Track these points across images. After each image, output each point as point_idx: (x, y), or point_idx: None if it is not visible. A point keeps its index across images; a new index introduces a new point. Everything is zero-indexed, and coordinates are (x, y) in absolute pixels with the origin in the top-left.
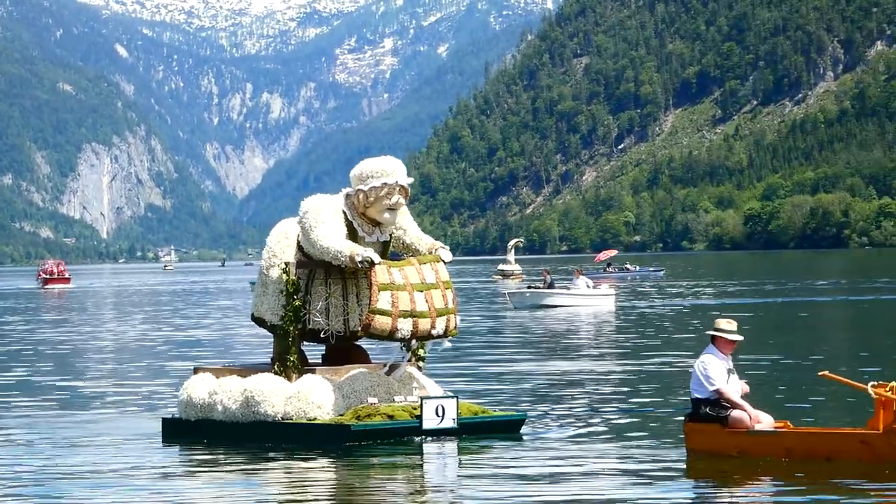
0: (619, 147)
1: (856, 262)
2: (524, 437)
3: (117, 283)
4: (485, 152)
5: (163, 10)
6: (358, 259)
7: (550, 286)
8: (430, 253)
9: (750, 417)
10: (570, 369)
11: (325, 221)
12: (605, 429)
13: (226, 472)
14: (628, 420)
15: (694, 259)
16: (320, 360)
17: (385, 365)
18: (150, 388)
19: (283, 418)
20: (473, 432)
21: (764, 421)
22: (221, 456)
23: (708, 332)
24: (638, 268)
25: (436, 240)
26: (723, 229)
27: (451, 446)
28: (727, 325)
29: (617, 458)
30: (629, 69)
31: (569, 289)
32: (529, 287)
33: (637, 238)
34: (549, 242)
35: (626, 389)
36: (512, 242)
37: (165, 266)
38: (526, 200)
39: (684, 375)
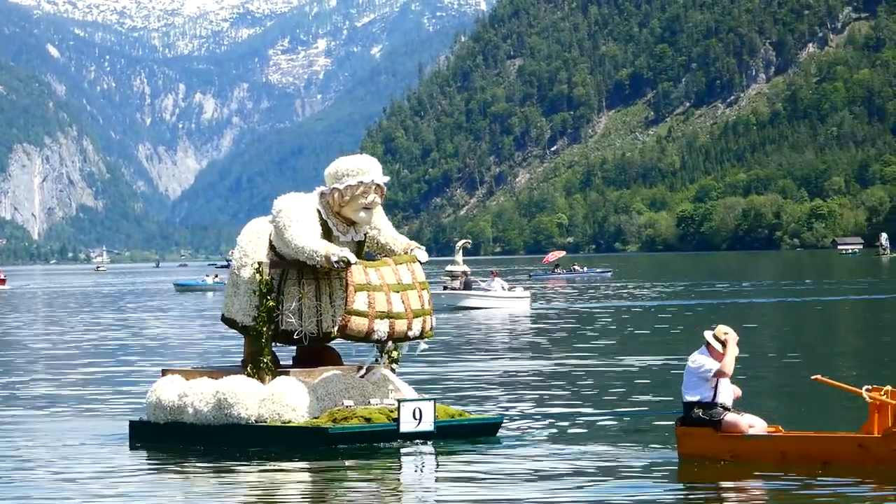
0: (553, 149)
1: (788, 263)
2: (501, 440)
3: (52, 284)
4: (419, 154)
5: (95, 10)
6: (334, 259)
7: (467, 287)
8: (406, 253)
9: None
10: (521, 369)
11: (299, 220)
12: (584, 431)
13: (197, 475)
14: (607, 422)
15: (630, 260)
16: (291, 363)
17: (361, 367)
18: (114, 390)
19: (256, 421)
20: (450, 435)
21: (757, 425)
22: (192, 459)
23: (704, 334)
24: (586, 269)
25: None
26: (655, 231)
27: (428, 449)
28: (723, 335)
29: (598, 460)
30: (562, 71)
31: (485, 290)
32: (445, 288)
33: (570, 240)
34: (483, 244)
35: (588, 390)
36: (460, 243)
37: (98, 267)
38: (460, 202)
39: (655, 374)
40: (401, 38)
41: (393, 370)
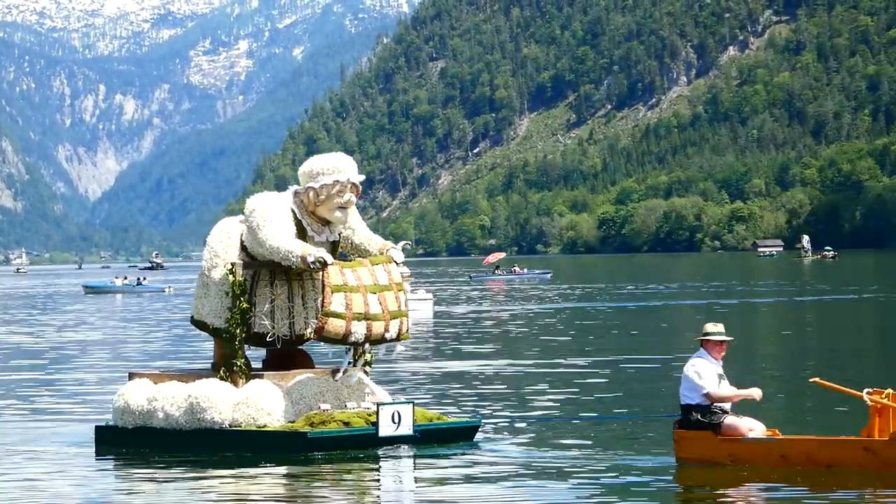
0: (475, 151)
1: (709, 265)
2: (479, 444)
3: None
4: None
5: (14, 10)
6: (310, 259)
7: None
8: (382, 253)
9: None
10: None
11: (273, 220)
12: (569, 434)
13: (168, 481)
14: (592, 426)
15: (555, 262)
16: (261, 366)
17: (336, 370)
18: (75, 394)
19: (230, 425)
20: (428, 439)
21: (756, 428)
22: (163, 465)
23: (697, 338)
24: (526, 270)
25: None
26: (577, 233)
27: (406, 453)
28: (713, 327)
29: (589, 464)
30: (485, 73)
31: None
32: None
33: (492, 241)
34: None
35: (557, 393)
36: (401, 244)
37: (18, 269)
38: (382, 204)
39: (626, 375)
40: (323, 40)
41: (367, 373)
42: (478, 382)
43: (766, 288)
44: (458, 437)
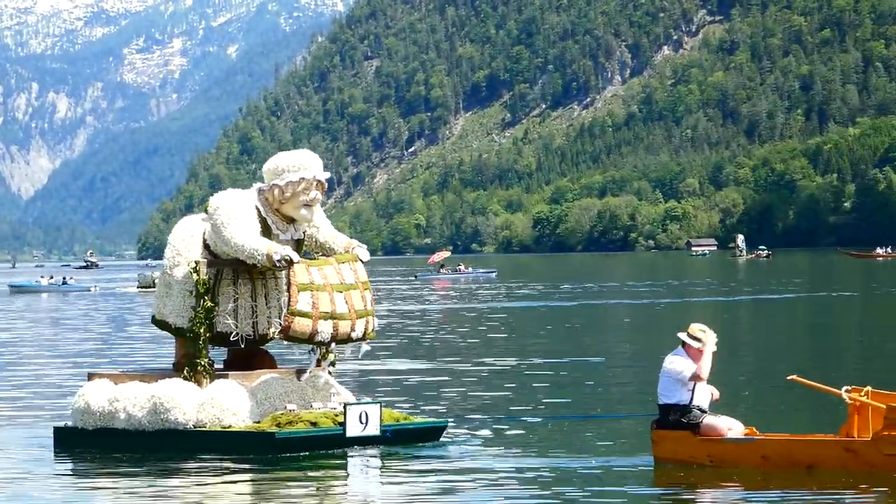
0: (410, 150)
1: (644, 264)
2: (446, 445)
3: None
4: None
5: None
6: (276, 258)
7: None
8: (347, 252)
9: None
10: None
11: (237, 217)
12: (532, 434)
13: (131, 484)
14: (564, 426)
15: (492, 261)
16: (222, 366)
17: (301, 371)
18: (29, 395)
19: (195, 426)
20: (394, 440)
21: (735, 428)
22: (125, 467)
23: (678, 335)
24: (471, 269)
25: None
26: (512, 232)
27: (374, 454)
28: (699, 332)
29: (555, 464)
30: (420, 72)
31: None
32: None
33: (427, 241)
34: None
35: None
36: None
37: None
38: None
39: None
40: (257, 38)
41: (330, 373)
42: (443, 382)
43: (703, 287)
44: (425, 437)
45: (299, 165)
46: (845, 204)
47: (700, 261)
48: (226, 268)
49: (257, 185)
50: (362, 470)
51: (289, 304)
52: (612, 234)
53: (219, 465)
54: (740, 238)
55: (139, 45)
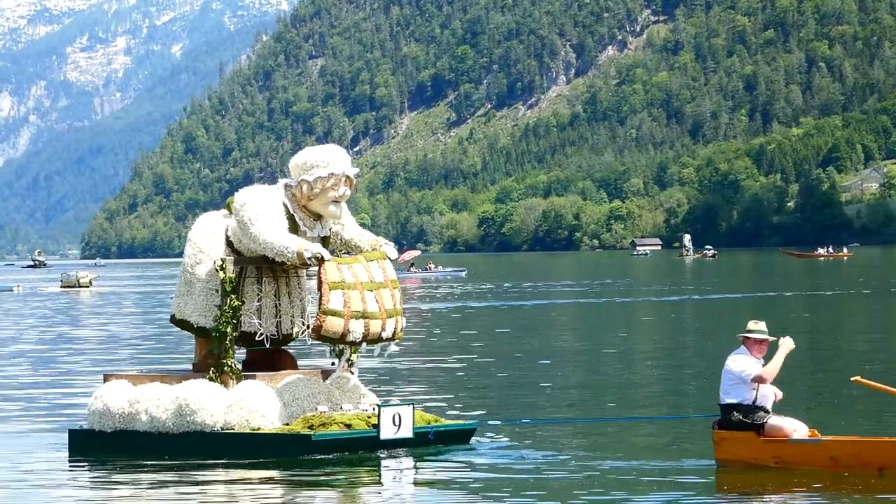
0: (355, 149)
1: (587, 264)
2: (476, 447)
3: None
4: (220, 153)
5: None
6: (307, 255)
7: None
8: (374, 250)
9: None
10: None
11: (265, 214)
12: (564, 435)
13: (153, 489)
14: (589, 429)
15: (441, 260)
16: (241, 367)
17: (327, 371)
18: (39, 397)
19: (222, 428)
20: (426, 442)
21: (799, 429)
22: (147, 471)
23: (739, 336)
24: (441, 268)
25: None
26: (457, 231)
27: (407, 456)
28: (755, 325)
29: (610, 468)
30: (364, 71)
31: None
32: None
33: None
34: None
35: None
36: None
37: None
38: None
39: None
40: (201, 37)
41: (351, 373)
42: (470, 382)
43: (657, 287)
44: (455, 439)
45: (328, 161)
46: (788, 204)
47: (642, 261)
48: (250, 266)
49: (283, 180)
50: (394, 473)
51: (320, 303)
52: (556, 234)
53: (245, 467)
54: (687, 238)
55: (83, 43)
